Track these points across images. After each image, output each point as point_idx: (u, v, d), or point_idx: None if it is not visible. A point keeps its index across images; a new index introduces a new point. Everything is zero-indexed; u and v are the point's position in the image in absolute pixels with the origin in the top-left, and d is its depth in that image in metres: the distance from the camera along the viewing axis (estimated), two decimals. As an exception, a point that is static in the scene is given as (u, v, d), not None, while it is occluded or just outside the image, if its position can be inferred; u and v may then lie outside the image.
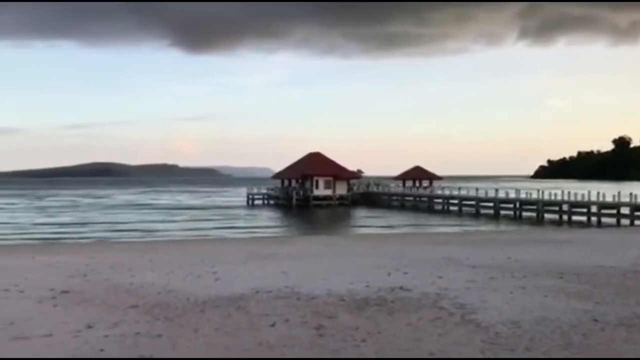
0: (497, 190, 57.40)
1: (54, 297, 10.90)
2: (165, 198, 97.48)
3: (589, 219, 44.21)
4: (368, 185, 77.89)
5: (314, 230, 39.40)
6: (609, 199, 44.48)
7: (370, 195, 74.00)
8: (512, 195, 53.75)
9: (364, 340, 7.73)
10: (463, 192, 60.09)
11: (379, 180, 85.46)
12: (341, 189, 70.22)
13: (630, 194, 42.38)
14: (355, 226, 44.38)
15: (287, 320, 8.84)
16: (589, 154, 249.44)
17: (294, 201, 66.55)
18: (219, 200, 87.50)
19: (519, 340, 7.69)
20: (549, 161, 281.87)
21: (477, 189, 59.42)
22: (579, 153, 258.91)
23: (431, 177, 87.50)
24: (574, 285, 11.96)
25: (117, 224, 44.56)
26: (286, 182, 74.56)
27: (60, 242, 30.98)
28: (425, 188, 76.74)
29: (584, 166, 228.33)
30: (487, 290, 11.28)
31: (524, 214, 49.81)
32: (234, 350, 7.33)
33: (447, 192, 63.92)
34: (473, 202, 56.89)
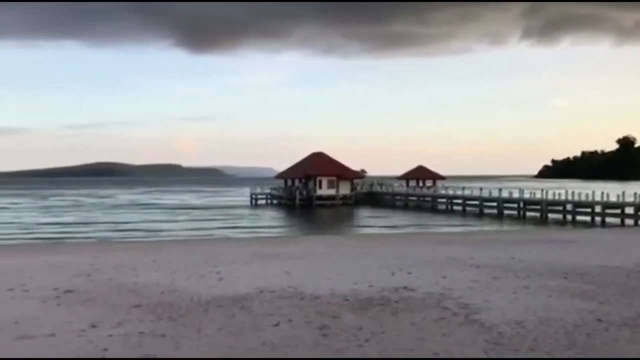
0: (500, 190, 57.26)
1: (57, 297, 10.93)
2: (169, 198, 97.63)
3: (593, 219, 44.06)
4: (371, 185, 77.80)
5: (317, 230, 39.39)
6: (613, 198, 44.37)
7: (373, 195, 73.92)
8: (516, 195, 53.58)
9: (367, 340, 7.72)
10: (467, 192, 60.01)
11: (382, 180, 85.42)
12: (344, 189, 70.19)
13: (635, 193, 42.18)
14: (358, 226, 44.33)
15: (290, 320, 8.84)
16: (593, 154, 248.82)
17: (298, 201, 66.55)
18: (222, 200, 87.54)
19: (523, 340, 7.67)
20: (553, 161, 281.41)
21: (480, 189, 59.34)
22: (583, 153, 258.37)
23: (435, 177, 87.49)
24: (578, 285, 11.93)
25: (121, 224, 44.65)
26: (289, 182, 74.56)
27: (64, 241, 31.04)
28: (428, 188, 76.69)
29: (588, 166, 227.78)
30: (491, 290, 11.26)
31: (528, 213, 49.68)
32: (238, 350, 7.33)
33: (450, 192, 63.84)
34: (477, 202, 56.82)
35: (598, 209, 44.23)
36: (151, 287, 11.97)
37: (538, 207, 49.18)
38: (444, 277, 12.98)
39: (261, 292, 11.22)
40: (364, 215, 54.91)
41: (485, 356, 7.04)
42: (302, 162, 74.48)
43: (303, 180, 70.27)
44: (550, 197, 49.12)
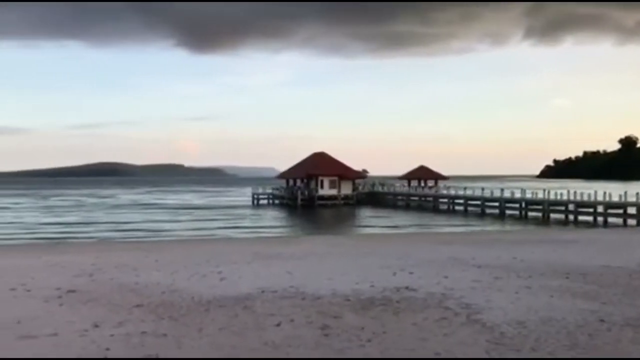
0: (502, 190, 57.18)
1: (60, 297, 10.95)
2: (171, 198, 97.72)
3: (595, 219, 44.01)
4: (373, 185, 77.79)
5: (319, 230, 39.40)
6: (615, 198, 44.30)
7: (375, 195, 73.91)
8: (518, 195, 53.55)
9: (369, 340, 7.72)
10: (468, 192, 59.97)
11: (384, 180, 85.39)
12: (346, 189, 70.19)
13: (637, 193, 42.11)
14: (360, 226, 44.32)
15: (292, 320, 8.84)
16: (595, 154, 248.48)
17: (299, 201, 66.55)
18: (224, 200, 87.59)
19: (525, 340, 7.66)
20: (555, 161, 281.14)
21: (482, 189, 59.31)
22: (585, 153, 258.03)
23: (436, 177, 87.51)
24: (580, 285, 11.91)
25: (122, 224, 44.69)
26: (291, 182, 74.59)
27: (65, 241, 31.09)
28: (430, 188, 76.63)
29: (590, 166, 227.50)
30: (493, 290, 11.25)
31: (530, 213, 49.63)
32: (239, 350, 7.33)
33: (452, 192, 63.80)
34: (478, 202, 56.77)
35: (600, 209, 44.20)
36: (153, 287, 11.98)
37: (540, 207, 49.16)
38: (446, 277, 12.97)
39: (263, 292, 11.22)
40: (366, 215, 54.90)
41: (487, 356, 7.03)
42: (303, 162, 74.48)
43: (305, 180, 70.28)
44: (552, 197, 49.10)
